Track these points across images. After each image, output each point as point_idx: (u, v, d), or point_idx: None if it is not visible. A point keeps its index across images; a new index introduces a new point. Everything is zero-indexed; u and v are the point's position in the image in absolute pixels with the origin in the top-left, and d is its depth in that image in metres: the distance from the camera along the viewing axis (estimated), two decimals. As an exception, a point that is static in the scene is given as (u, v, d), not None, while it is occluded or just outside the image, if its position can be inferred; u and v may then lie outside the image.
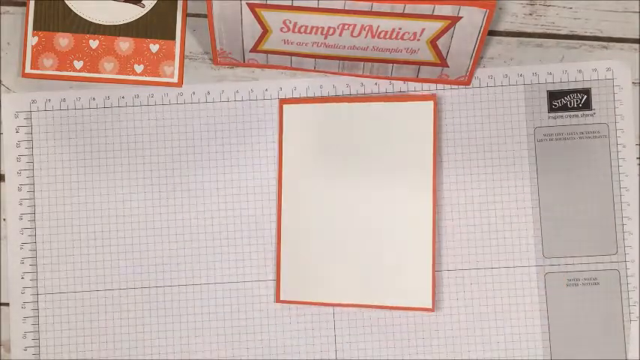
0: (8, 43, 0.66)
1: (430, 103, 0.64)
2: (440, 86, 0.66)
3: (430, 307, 0.63)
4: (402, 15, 0.58)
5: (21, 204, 0.65)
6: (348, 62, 0.64)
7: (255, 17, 0.60)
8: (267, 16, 0.59)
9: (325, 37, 0.61)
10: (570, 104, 0.66)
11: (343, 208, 0.65)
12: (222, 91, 0.66)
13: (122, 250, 0.65)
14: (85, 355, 0.64)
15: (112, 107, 0.66)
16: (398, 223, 0.64)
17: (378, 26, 0.59)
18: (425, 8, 0.57)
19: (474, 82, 0.66)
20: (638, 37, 0.66)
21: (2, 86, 0.66)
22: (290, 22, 0.60)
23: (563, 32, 0.66)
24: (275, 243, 0.65)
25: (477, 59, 0.63)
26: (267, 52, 0.64)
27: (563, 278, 0.65)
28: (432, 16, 0.58)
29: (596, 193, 0.65)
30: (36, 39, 0.65)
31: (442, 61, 0.63)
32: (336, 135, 0.65)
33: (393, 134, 0.64)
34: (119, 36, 0.66)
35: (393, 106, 0.65)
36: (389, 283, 0.64)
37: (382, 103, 0.65)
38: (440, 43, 0.61)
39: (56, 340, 0.64)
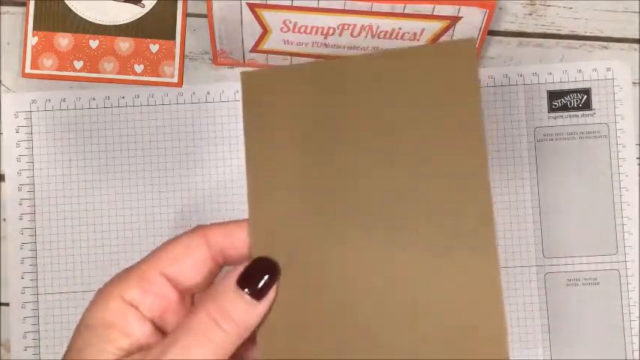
0: (8, 43, 0.66)
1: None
2: (440, 86, 0.66)
3: None
4: (402, 15, 0.58)
5: (21, 204, 0.65)
6: (348, 62, 0.64)
7: (255, 17, 0.60)
8: (267, 16, 0.59)
9: (325, 37, 0.61)
10: (570, 104, 0.66)
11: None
12: (222, 91, 0.66)
13: (122, 250, 0.65)
14: (85, 355, 0.64)
15: (112, 107, 0.66)
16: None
17: (378, 26, 0.59)
18: (425, 8, 0.57)
19: (474, 82, 0.66)
20: (638, 37, 0.66)
21: (2, 86, 0.66)
22: (290, 22, 0.60)
23: (563, 32, 0.66)
24: (275, 243, 0.65)
25: (477, 59, 0.63)
26: (267, 52, 0.64)
27: (563, 278, 0.65)
28: (432, 16, 0.58)
29: (596, 193, 0.65)
30: (36, 39, 0.65)
31: (442, 61, 0.63)
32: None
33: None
34: (119, 36, 0.66)
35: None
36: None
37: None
38: (440, 43, 0.61)
39: (56, 340, 0.64)
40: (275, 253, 0.40)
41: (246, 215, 0.40)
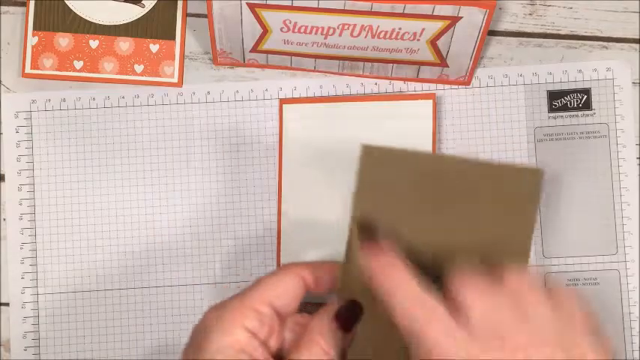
0: (8, 43, 0.66)
1: (429, 102, 0.64)
2: (440, 86, 0.66)
3: None
4: (402, 15, 0.58)
5: (21, 204, 0.65)
6: (348, 62, 0.64)
7: (255, 17, 0.60)
8: (267, 16, 0.59)
9: (325, 37, 0.61)
10: (570, 104, 0.66)
11: (343, 207, 0.65)
12: (222, 91, 0.66)
13: (122, 250, 0.65)
14: (85, 355, 0.64)
15: (112, 107, 0.66)
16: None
17: (378, 26, 0.59)
18: (425, 8, 0.57)
19: (474, 82, 0.66)
20: (638, 37, 0.66)
21: (2, 86, 0.66)
22: (290, 22, 0.60)
23: (563, 32, 0.66)
24: (275, 244, 0.65)
25: (477, 59, 0.63)
26: (267, 52, 0.64)
27: (563, 278, 0.65)
28: (432, 16, 0.58)
29: (596, 193, 0.65)
30: (36, 39, 0.65)
31: (442, 61, 0.63)
32: (336, 135, 0.65)
33: (392, 133, 0.65)
34: (119, 36, 0.66)
35: (393, 105, 0.65)
36: None
37: (382, 102, 0.65)
38: (440, 43, 0.61)
39: (56, 340, 0.64)
40: (356, 295, 0.52)
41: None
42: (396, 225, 0.52)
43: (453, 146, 0.65)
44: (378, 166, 0.53)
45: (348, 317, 0.50)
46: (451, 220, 0.52)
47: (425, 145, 0.64)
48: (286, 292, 0.51)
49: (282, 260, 0.64)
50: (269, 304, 0.50)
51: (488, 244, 0.52)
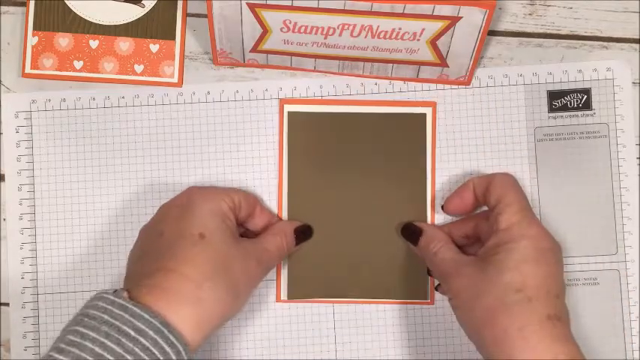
0: (8, 43, 0.66)
1: (429, 109, 0.65)
2: (440, 86, 0.66)
3: (429, 300, 0.64)
4: (402, 15, 0.58)
5: (21, 204, 0.65)
6: (348, 62, 0.64)
7: (255, 17, 0.60)
8: (267, 16, 0.59)
9: (325, 37, 0.61)
10: (570, 104, 0.66)
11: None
12: (222, 91, 0.66)
13: (122, 250, 0.65)
14: (85, 355, 0.64)
15: (112, 107, 0.66)
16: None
17: (378, 26, 0.59)
18: (425, 8, 0.57)
19: (474, 82, 0.66)
20: (638, 37, 0.66)
21: (2, 86, 0.66)
22: (290, 22, 0.60)
23: (563, 32, 0.66)
24: (275, 243, 0.65)
25: (477, 59, 0.63)
26: (267, 52, 0.64)
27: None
28: (432, 16, 0.58)
29: (596, 193, 0.65)
30: (36, 39, 0.65)
31: (442, 61, 0.63)
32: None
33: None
34: (119, 36, 0.66)
35: (393, 111, 0.65)
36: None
37: (382, 107, 0.65)
38: (440, 43, 0.61)
39: (56, 340, 0.64)
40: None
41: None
42: (324, 173, 0.65)
43: (453, 146, 0.65)
44: (303, 126, 0.65)
45: (303, 233, 0.64)
46: (365, 159, 0.65)
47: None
48: (244, 198, 0.62)
49: (283, 259, 0.64)
50: (237, 197, 0.61)
51: (397, 163, 0.65)
